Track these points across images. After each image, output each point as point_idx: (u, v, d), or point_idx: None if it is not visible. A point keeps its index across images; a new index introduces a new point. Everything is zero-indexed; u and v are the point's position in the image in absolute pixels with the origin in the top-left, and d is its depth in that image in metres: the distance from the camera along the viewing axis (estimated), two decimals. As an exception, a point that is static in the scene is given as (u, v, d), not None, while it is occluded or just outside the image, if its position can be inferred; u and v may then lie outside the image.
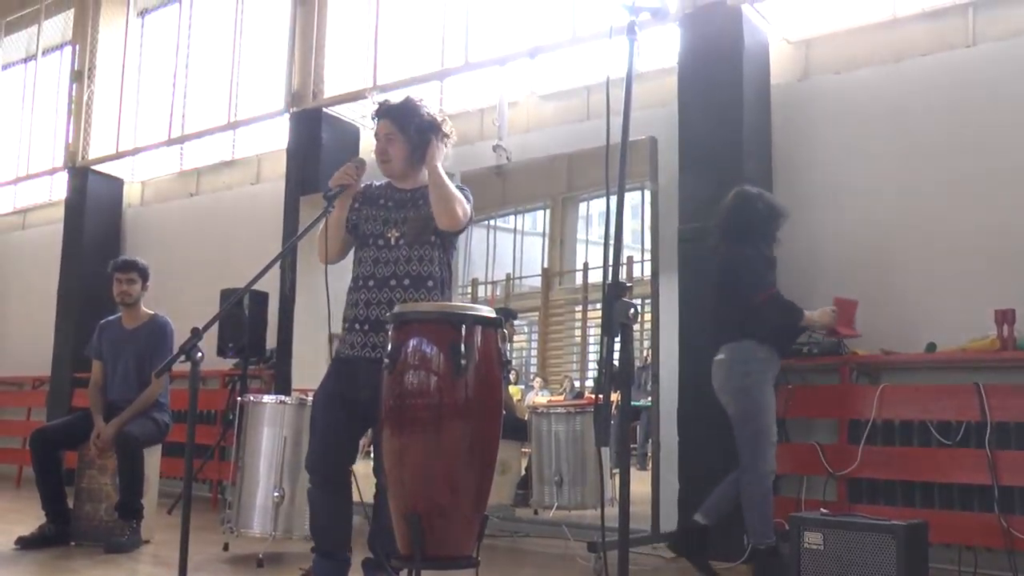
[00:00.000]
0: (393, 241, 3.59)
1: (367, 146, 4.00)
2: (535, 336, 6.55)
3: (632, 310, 2.35)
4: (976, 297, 4.89)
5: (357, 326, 3.57)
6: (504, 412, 3.06)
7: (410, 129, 3.61)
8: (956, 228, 5.07)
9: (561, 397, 6.12)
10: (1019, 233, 4.88)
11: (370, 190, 3.73)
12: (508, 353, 6.24)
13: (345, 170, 3.59)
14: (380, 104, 3.73)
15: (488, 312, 3.02)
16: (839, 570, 3.59)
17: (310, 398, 4.91)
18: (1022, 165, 4.90)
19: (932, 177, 5.19)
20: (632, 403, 5.53)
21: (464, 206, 3.57)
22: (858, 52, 5.59)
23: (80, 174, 9.70)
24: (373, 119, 3.72)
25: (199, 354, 2.98)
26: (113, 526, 5.18)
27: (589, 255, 6.34)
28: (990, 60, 5.11)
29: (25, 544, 5.03)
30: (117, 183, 9.92)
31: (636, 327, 5.71)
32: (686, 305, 5.36)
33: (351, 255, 3.74)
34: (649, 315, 5.34)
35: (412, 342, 2.91)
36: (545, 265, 6.49)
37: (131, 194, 10.06)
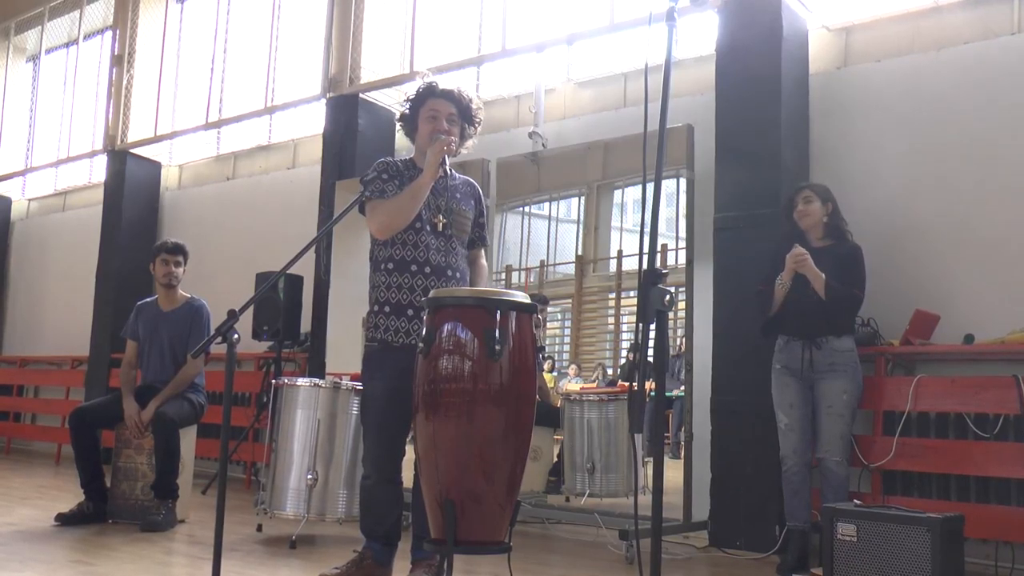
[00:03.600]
0: (440, 227, 3.63)
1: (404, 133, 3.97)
2: (568, 323, 6.55)
3: (668, 297, 2.33)
4: (1016, 289, 4.83)
5: (411, 312, 3.55)
6: (537, 398, 3.06)
7: (468, 128, 3.73)
8: (996, 219, 5.00)
9: (594, 384, 6.11)
10: (1062, 225, 4.81)
11: (400, 170, 3.67)
12: (542, 339, 6.27)
13: (450, 142, 3.56)
14: (438, 84, 3.70)
15: (523, 298, 3.02)
16: (872, 562, 3.57)
17: (344, 382, 4.97)
18: (1066, 156, 4.83)
19: (973, 167, 5.11)
20: (668, 392, 5.53)
21: None
22: (899, 40, 5.51)
23: (119, 157, 9.80)
24: (431, 92, 3.68)
25: (235, 336, 3.00)
26: (149, 505, 5.25)
27: (623, 243, 6.32)
28: (1035, 49, 5.03)
29: (64, 520, 5.11)
30: (155, 166, 10.02)
31: (670, 315, 5.68)
32: (720, 294, 5.34)
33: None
34: (683, 304, 5.32)
35: (447, 327, 2.92)
36: (579, 252, 6.48)
37: (168, 177, 10.15)
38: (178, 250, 5.68)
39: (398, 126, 3.87)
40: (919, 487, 4.80)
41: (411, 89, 3.79)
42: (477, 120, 3.76)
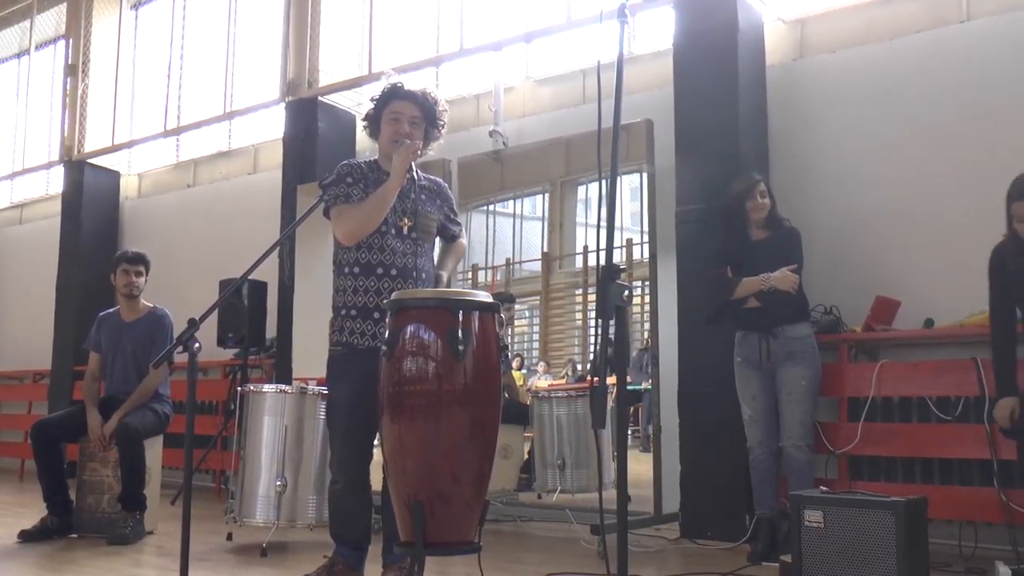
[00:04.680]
0: (406, 231, 3.59)
1: (364, 135, 3.95)
2: (536, 320, 6.56)
3: (626, 292, 2.35)
4: (973, 273, 4.87)
5: (378, 315, 3.49)
6: (506, 397, 3.06)
7: (432, 129, 3.67)
8: (953, 204, 5.06)
9: (563, 381, 6.13)
10: (1016, 208, 4.87)
11: (365, 172, 3.63)
12: (507, 338, 6.27)
13: (416, 146, 3.52)
14: (402, 85, 3.63)
15: (484, 297, 3.02)
16: (839, 547, 3.60)
17: (311, 387, 4.95)
18: (1017, 140, 4.88)
19: (928, 154, 5.18)
20: (633, 386, 5.55)
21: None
22: (852, 30, 5.57)
23: (76, 168, 9.70)
24: (395, 94, 3.62)
25: (196, 344, 2.98)
26: (116, 518, 5.19)
27: (588, 238, 6.34)
28: (984, 36, 5.09)
29: (28, 537, 5.05)
30: (114, 176, 9.92)
31: (636, 310, 5.70)
32: (684, 287, 5.36)
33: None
34: (649, 297, 5.34)
35: (410, 328, 2.90)
36: (545, 249, 6.49)
37: (128, 186, 10.05)
38: (139, 260, 5.62)
39: (361, 127, 3.82)
40: (885, 471, 4.86)
41: (370, 91, 3.74)
42: (441, 122, 3.71)
